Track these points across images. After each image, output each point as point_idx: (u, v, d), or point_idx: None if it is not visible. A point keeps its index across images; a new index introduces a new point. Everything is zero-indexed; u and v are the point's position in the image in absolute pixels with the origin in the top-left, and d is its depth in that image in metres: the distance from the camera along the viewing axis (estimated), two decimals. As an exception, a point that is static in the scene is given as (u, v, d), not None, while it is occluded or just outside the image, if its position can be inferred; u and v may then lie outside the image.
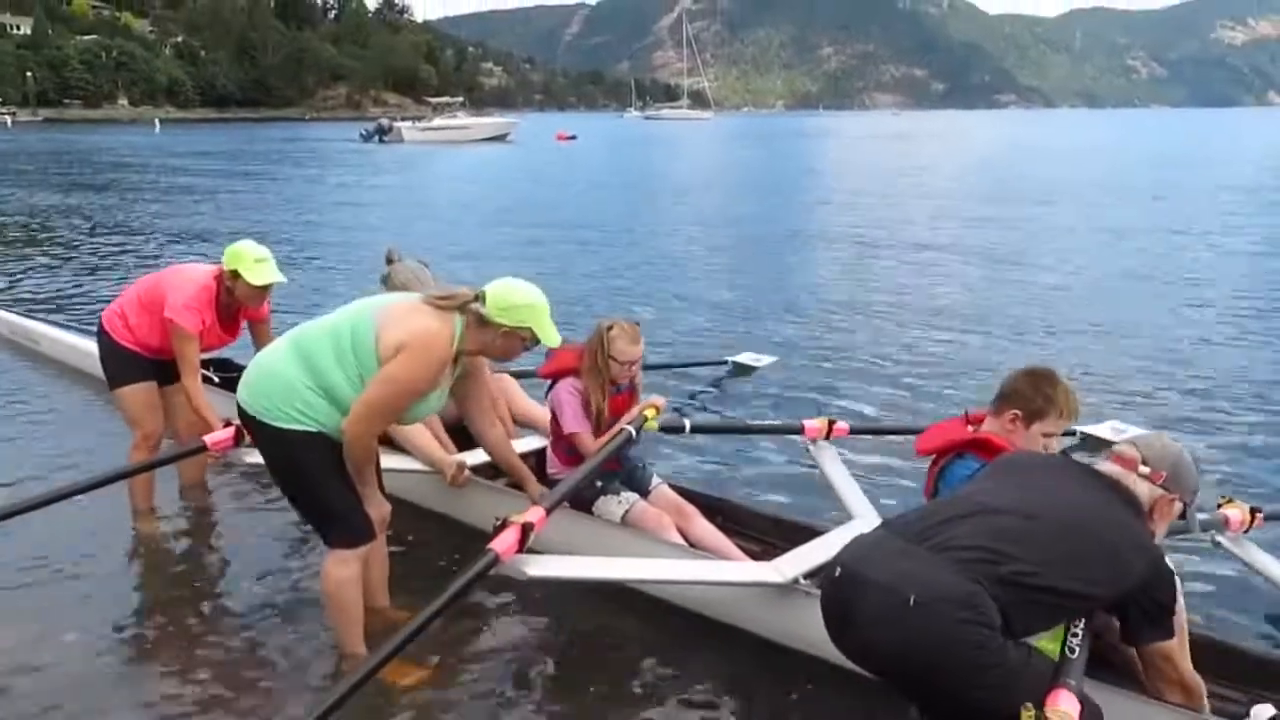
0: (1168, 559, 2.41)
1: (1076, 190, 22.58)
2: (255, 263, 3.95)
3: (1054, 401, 2.86)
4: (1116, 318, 8.68)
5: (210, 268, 4.15)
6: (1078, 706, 2.16)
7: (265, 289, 4.03)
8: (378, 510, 3.06)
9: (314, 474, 2.86)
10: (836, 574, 2.35)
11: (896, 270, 11.57)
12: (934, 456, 2.98)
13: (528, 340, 2.92)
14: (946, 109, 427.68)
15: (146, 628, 3.42)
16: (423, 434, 4.03)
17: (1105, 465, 2.50)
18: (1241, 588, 3.60)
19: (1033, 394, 2.87)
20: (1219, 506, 3.33)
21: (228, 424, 3.88)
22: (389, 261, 4.46)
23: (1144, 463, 2.46)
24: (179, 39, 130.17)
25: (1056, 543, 2.27)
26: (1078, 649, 2.29)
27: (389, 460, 3.08)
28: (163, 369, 4.17)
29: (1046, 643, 2.52)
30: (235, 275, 3.97)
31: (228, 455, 3.85)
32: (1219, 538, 3.31)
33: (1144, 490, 2.44)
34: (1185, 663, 2.49)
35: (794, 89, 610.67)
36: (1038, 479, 2.48)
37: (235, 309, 4.14)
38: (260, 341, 4.32)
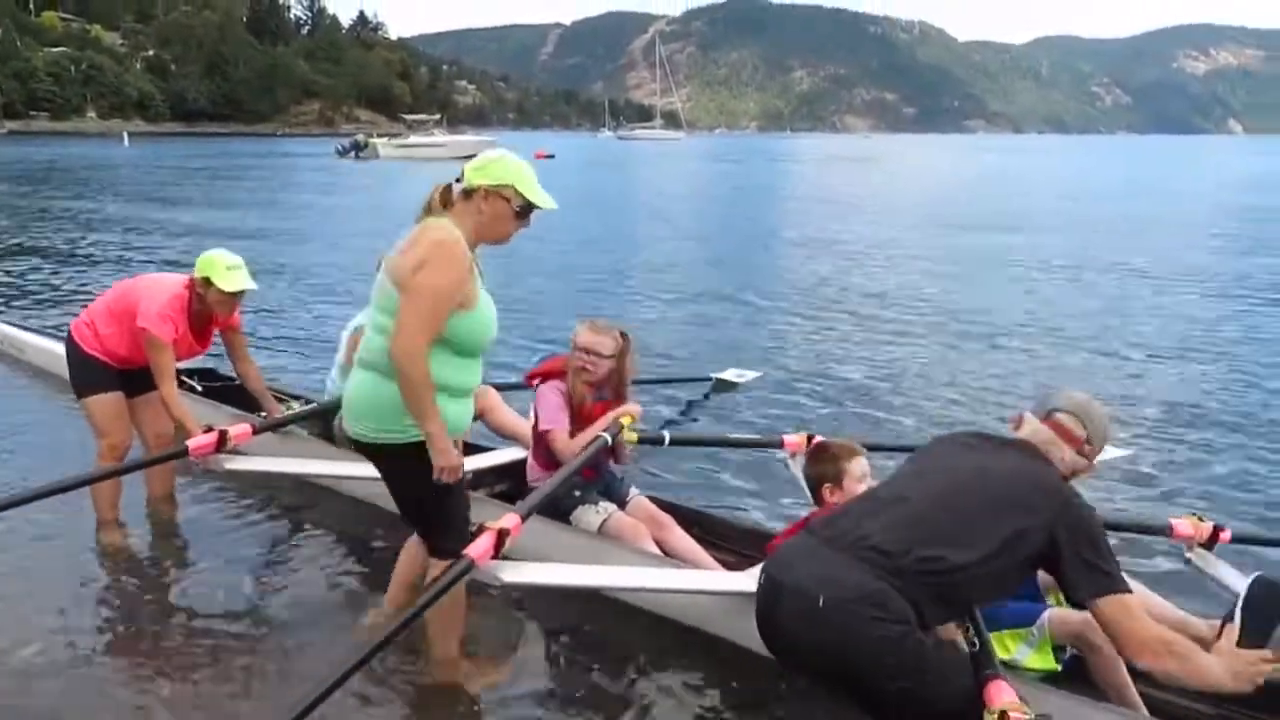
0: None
1: (1048, 214, 22.92)
2: (227, 270, 3.96)
3: None
4: (1095, 333, 8.80)
5: (181, 277, 4.13)
6: (1014, 693, 2.17)
7: (237, 295, 4.01)
8: None
9: (441, 484, 2.80)
10: (761, 581, 2.37)
11: (878, 288, 11.65)
12: None
13: (513, 203, 2.76)
14: (917, 133, 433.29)
15: (109, 639, 3.36)
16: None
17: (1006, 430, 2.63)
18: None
19: None
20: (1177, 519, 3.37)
21: (208, 429, 3.83)
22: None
23: (1033, 413, 2.57)
24: (150, 52, 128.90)
25: (956, 513, 2.29)
26: (977, 640, 2.34)
27: (370, 469, 3.06)
28: (130, 379, 4.12)
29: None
30: (207, 282, 3.96)
31: (208, 461, 3.80)
32: (1188, 554, 3.36)
33: (1030, 430, 2.52)
34: (1145, 618, 2.27)
35: (766, 110, 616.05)
36: (940, 460, 2.54)
37: (207, 318, 4.11)
38: (235, 351, 4.29)
